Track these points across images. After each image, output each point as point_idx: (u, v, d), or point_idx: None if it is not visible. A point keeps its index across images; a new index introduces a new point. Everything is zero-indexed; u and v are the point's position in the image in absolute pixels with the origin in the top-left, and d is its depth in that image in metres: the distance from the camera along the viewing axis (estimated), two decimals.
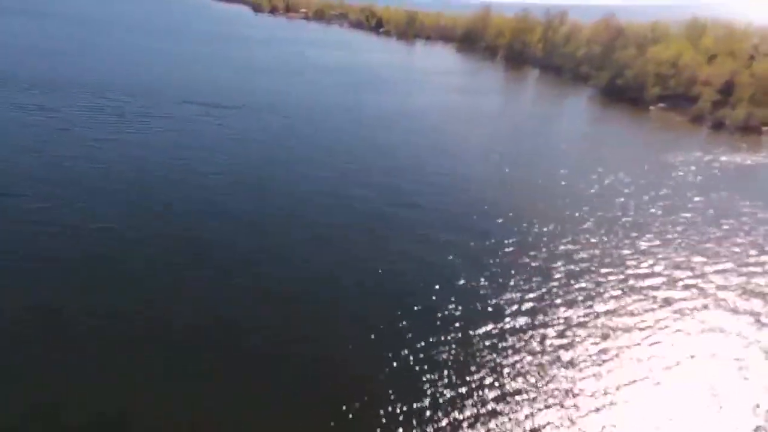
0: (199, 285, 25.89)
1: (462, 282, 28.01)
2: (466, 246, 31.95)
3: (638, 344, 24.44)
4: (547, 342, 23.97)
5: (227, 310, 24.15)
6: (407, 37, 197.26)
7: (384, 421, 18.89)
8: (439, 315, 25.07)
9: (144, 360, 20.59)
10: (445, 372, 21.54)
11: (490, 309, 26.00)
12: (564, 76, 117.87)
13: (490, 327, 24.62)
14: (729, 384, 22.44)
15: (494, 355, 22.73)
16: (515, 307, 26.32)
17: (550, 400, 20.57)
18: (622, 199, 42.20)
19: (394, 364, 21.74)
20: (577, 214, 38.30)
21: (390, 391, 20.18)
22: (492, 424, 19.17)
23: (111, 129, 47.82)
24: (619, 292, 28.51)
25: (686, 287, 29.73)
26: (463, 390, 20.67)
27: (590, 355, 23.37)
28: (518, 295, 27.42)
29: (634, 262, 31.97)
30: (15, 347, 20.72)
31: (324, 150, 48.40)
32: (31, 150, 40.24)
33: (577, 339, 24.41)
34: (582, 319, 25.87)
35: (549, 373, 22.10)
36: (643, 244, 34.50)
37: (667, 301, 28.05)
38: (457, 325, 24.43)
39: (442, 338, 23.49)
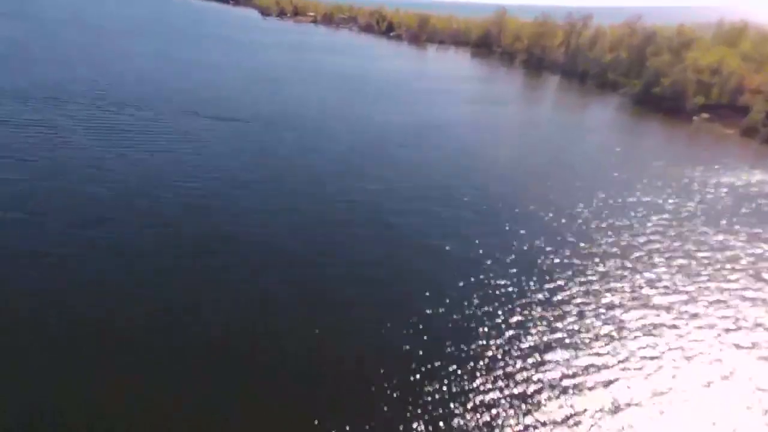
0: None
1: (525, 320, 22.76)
2: (522, 287, 26.57)
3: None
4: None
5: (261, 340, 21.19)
6: (419, 41, 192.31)
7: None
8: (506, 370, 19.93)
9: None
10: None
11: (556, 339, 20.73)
12: (589, 83, 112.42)
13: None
14: None
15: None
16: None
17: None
18: (668, 227, 36.74)
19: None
20: (622, 243, 32.83)
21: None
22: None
23: (115, 145, 42.67)
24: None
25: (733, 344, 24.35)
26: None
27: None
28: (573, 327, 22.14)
29: (667, 308, 26.52)
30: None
31: (349, 171, 43.08)
32: (30, 167, 35.35)
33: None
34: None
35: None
36: (685, 287, 28.97)
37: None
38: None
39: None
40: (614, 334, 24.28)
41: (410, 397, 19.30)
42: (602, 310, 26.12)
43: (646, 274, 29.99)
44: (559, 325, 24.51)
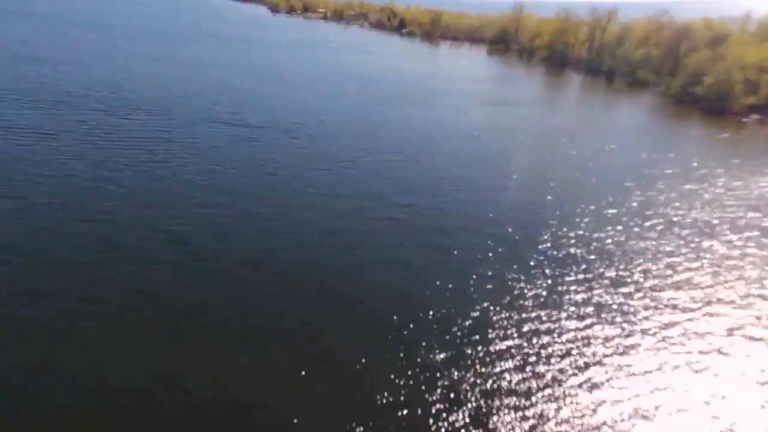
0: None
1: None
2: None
3: None
4: None
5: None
6: (432, 38, 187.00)
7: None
8: None
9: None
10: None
11: None
12: (616, 81, 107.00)
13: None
14: None
15: None
16: None
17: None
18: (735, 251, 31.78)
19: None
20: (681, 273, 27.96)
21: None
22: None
23: (122, 155, 38.34)
24: None
25: None
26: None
27: None
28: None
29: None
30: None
31: (375, 187, 38.34)
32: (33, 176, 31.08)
33: None
34: None
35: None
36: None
37: None
38: None
39: None
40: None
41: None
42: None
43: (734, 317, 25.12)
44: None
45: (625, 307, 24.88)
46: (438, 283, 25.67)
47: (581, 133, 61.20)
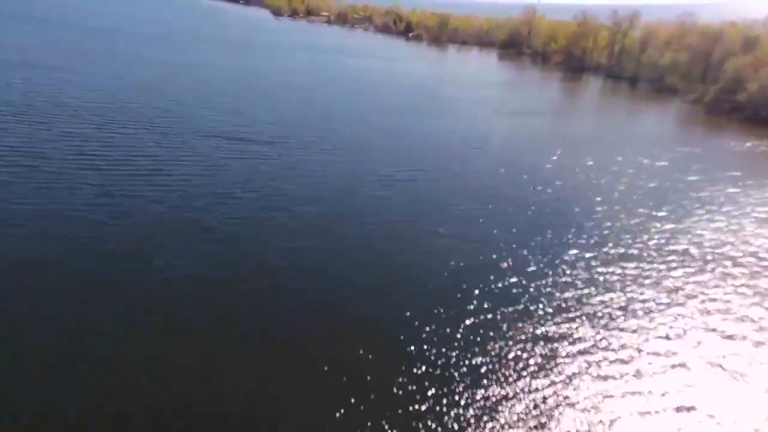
0: None
1: None
2: None
3: None
4: None
5: None
6: (440, 42, 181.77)
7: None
8: None
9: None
10: None
11: None
12: (640, 87, 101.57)
13: None
14: None
15: None
16: None
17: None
18: None
19: None
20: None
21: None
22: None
23: (122, 177, 33.02)
24: None
25: None
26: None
27: None
28: None
29: None
30: None
31: (404, 209, 33.04)
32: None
33: None
34: None
35: None
36: None
37: None
38: None
39: None
40: None
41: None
42: None
43: None
44: None
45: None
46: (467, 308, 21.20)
47: (608, 145, 55.24)
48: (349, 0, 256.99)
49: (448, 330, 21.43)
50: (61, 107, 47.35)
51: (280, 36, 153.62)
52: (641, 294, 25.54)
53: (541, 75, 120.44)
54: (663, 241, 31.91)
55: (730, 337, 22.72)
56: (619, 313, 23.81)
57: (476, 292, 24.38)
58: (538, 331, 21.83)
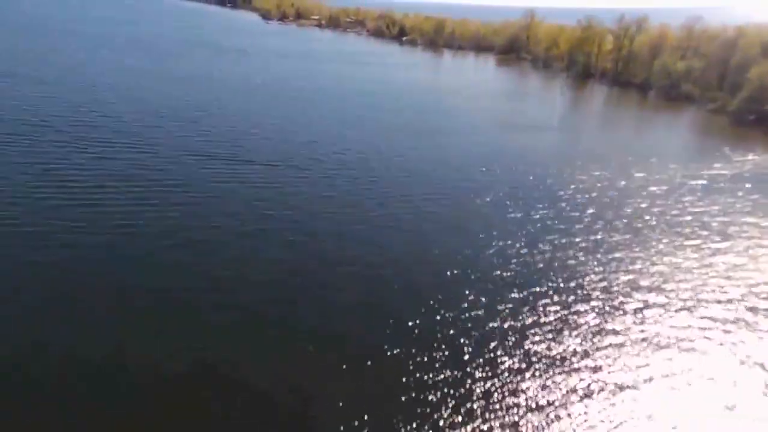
0: None
1: None
2: None
3: None
4: None
5: None
6: (436, 47, 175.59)
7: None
8: None
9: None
10: None
11: None
12: (651, 95, 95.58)
13: None
14: None
15: None
16: None
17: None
18: None
19: None
20: None
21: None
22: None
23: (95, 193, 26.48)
24: None
25: None
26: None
27: None
28: None
29: None
30: None
31: (419, 243, 26.57)
32: None
33: None
34: None
35: None
36: None
37: None
38: None
39: None
40: None
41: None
42: None
43: None
44: None
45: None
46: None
47: (632, 161, 49.16)
48: (339, 2, 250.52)
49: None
50: (28, 123, 40.60)
51: (270, 42, 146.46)
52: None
53: (544, 82, 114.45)
54: (700, 284, 25.74)
55: None
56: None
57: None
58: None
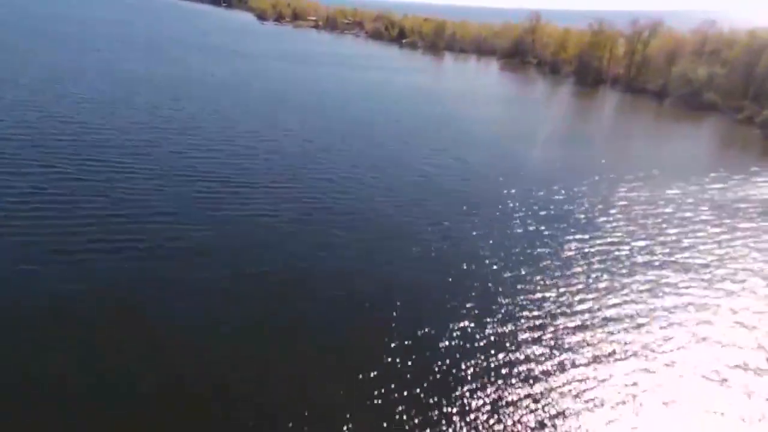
0: None
1: None
2: None
3: None
4: None
5: None
6: (436, 49, 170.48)
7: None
8: None
9: None
10: None
11: None
12: (666, 102, 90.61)
13: None
14: None
15: None
16: None
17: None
18: None
19: None
20: None
21: None
22: None
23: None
24: None
25: None
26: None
27: None
28: None
29: None
30: None
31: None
32: None
33: None
34: None
35: None
36: None
37: None
38: None
39: None
40: None
41: None
42: None
43: None
44: None
45: None
46: None
47: (653, 175, 44.23)
48: (333, 2, 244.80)
49: None
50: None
51: (266, 44, 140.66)
52: None
53: (553, 88, 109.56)
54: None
55: None
56: None
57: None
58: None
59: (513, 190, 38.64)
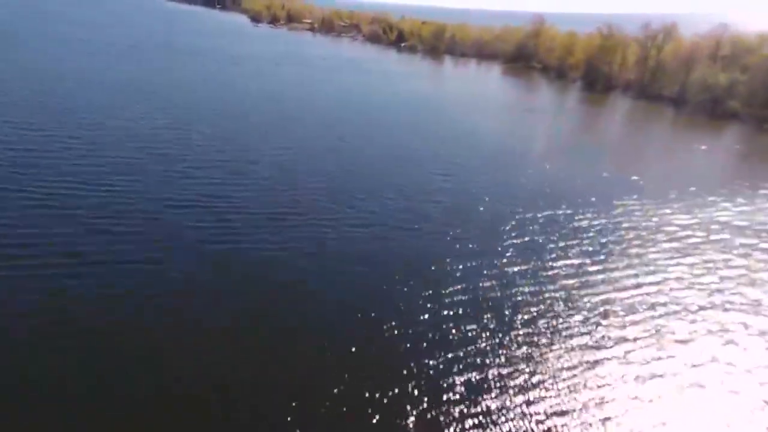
0: None
1: None
2: None
3: None
4: None
5: None
6: (437, 53, 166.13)
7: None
8: None
9: None
10: None
11: None
12: (684, 109, 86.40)
13: None
14: None
15: None
16: None
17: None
18: None
19: None
20: None
21: None
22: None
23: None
24: None
25: None
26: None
27: None
28: None
29: None
30: None
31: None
32: None
33: None
34: None
35: None
36: None
37: None
38: None
39: None
40: None
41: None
42: None
43: None
44: None
45: None
46: None
47: (683, 192, 39.66)
48: (327, 4, 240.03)
49: None
50: None
51: (262, 47, 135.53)
52: None
53: (562, 95, 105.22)
54: None
55: None
56: None
57: None
58: None
59: (538, 214, 33.90)
